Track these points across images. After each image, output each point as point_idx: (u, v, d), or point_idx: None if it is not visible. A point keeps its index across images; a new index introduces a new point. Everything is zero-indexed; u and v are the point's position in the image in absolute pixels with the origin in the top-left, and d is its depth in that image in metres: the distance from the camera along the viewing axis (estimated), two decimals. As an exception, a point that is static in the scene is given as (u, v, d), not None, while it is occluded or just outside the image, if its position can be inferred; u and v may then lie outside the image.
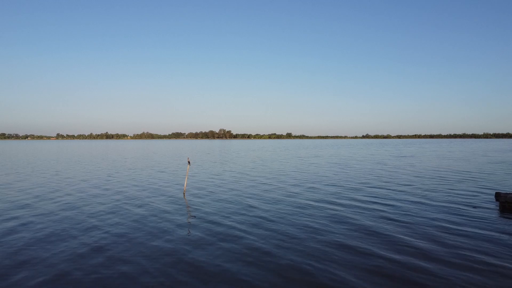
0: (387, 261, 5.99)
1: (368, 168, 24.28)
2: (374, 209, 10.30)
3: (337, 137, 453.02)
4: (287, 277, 5.37)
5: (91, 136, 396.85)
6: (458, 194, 12.83)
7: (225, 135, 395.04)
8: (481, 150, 55.34)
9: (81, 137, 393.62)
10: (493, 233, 7.65)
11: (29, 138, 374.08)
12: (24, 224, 8.61)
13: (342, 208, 10.40)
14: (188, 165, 14.48)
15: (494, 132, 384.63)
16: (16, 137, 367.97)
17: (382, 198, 12.14)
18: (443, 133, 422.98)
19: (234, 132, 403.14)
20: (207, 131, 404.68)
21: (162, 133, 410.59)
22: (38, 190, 14.31)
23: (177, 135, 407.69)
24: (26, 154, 48.17)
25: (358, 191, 13.77)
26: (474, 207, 10.44)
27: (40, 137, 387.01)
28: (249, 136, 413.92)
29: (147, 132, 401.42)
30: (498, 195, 10.53)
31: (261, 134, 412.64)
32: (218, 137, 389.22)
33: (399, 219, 9.03)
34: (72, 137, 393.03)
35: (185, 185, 14.00)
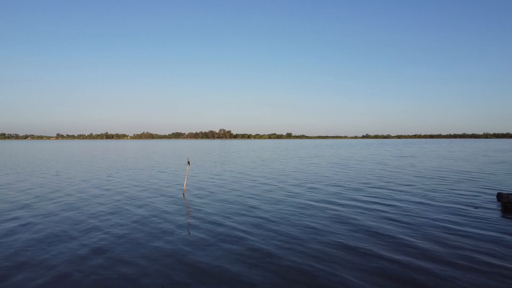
0: (388, 262, 5.96)
1: (369, 168, 24.24)
2: (375, 209, 10.26)
3: (337, 137, 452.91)
4: (288, 278, 5.34)
5: (91, 136, 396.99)
6: (459, 194, 12.79)
7: (225, 135, 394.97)
8: (481, 150, 55.29)
9: (81, 137, 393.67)
10: (495, 234, 7.61)
11: (29, 138, 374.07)
12: (24, 225, 8.57)
13: (343, 209, 10.36)
14: (188, 166, 14.41)
15: (494, 132, 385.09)
16: (16, 137, 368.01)
17: (383, 198, 12.10)
18: (443, 133, 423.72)
19: (234, 132, 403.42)
20: (207, 131, 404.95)
21: (162, 133, 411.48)
22: (38, 191, 14.27)
23: (177, 135, 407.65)
24: (26, 154, 48.12)
25: (359, 191, 13.74)
26: (476, 207, 10.40)
27: (40, 137, 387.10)
28: (249, 136, 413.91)
29: (147, 132, 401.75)
30: (500, 196, 10.49)
31: (261, 134, 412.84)
32: (218, 137, 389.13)
33: (400, 219, 8.99)
34: (72, 137, 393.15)
35: (184, 186, 13.96)
